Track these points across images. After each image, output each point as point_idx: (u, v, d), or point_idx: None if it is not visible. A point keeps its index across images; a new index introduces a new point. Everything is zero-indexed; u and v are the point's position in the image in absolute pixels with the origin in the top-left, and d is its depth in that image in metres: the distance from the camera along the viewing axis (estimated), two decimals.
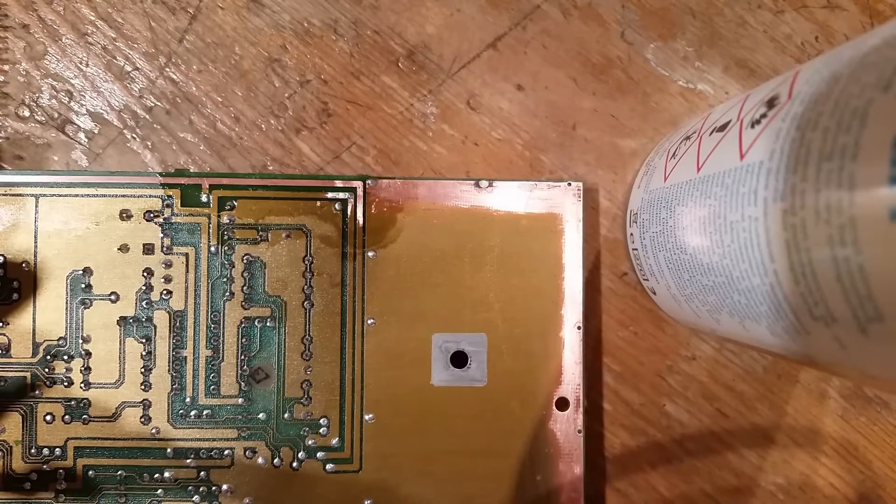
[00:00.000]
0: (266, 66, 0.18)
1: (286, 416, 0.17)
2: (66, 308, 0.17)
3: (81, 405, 0.17)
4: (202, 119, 0.18)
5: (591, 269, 0.19)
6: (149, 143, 0.18)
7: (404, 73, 0.19)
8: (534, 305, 0.18)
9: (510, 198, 0.18)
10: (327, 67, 0.18)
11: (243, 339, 0.17)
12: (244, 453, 0.17)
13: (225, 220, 0.17)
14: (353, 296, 0.17)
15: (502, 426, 0.17)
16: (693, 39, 0.19)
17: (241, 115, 0.18)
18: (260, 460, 0.17)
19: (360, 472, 0.17)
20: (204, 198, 0.17)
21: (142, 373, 0.17)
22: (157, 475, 0.17)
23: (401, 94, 0.18)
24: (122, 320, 0.17)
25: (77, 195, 0.17)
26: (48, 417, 0.17)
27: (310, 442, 0.17)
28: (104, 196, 0.17)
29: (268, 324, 0.17)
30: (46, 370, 0.17)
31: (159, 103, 0.18)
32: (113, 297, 0.17)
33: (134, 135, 0.18)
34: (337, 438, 0.17)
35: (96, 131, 0.18)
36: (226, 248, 0.17)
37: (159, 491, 0.17)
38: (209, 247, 0.17)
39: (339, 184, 0.17)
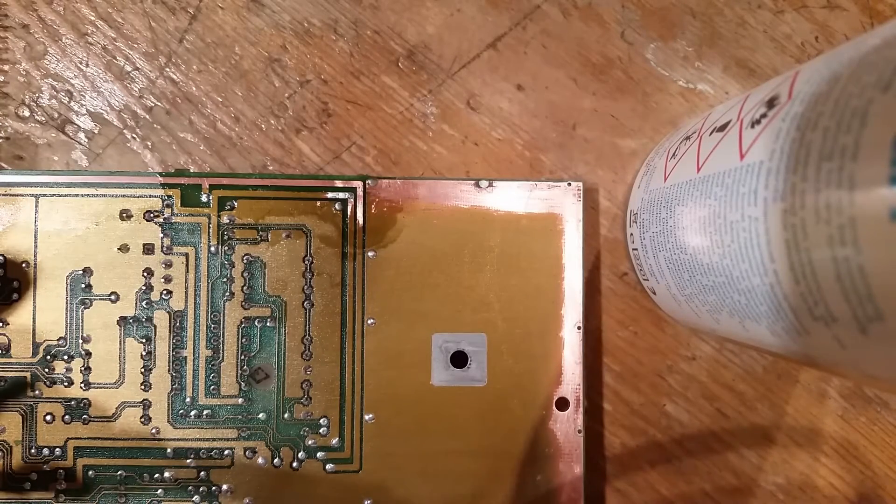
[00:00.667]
0: (266, 66, 0.18)
1: (286, 416, 0.17)
2: (66, 308, 0.17)
3: (81, 405, 0.17)
4: (202, 119, 0.18)
5: (591, 269, 0.19)
6: (149, 143, 0.18)
7: (404, 73, 0.19)
8: (534, 305, 0.18)
9: (510, 198, 0.18)
10: (327, 67, 0.18)
11: (243, 339, 0.17)
12: (244, 453, 0.17)
13: (225, 220, 0.17)
14: (353, 296, 0.17)
15: (502, 426, 0.17)
16: (693, 39, 0.19)
17: (241, 115, 0.18)
18: (260, 460, 0.17)
19: (360, 472, 0.17)
20: (204, 198, 0.17)
21: (142, 373, 0.17)
22: (156, 475, 0.17)
23: (401, 94, 0.18)
24: (122, 320, 0.17)
25: (77, 195, 0.17)
26: (48, 417, 0.17)
27: (310, 442, 0.17)
28: (104, 196, 0.17)
29: (268, 324, 0.17)
30: (46, 370, 0.17)
31: (159, 103, 0.18)
32: (113, 297, 0.17)
33: (134, 135, 0.18)
34: (337, 438, 0.17)
35: (96, 131, 0.18)
36: (226, 248, 0.17)
37: (159, 491, 0.17)
38: (209, 247, 0.17)
39: (339, 184, 0.17)
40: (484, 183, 0.18)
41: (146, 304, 0.17)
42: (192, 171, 0.18)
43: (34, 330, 0.17)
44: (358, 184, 0.17)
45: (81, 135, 0.18)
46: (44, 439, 0.17)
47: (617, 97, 0.19)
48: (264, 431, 0.17)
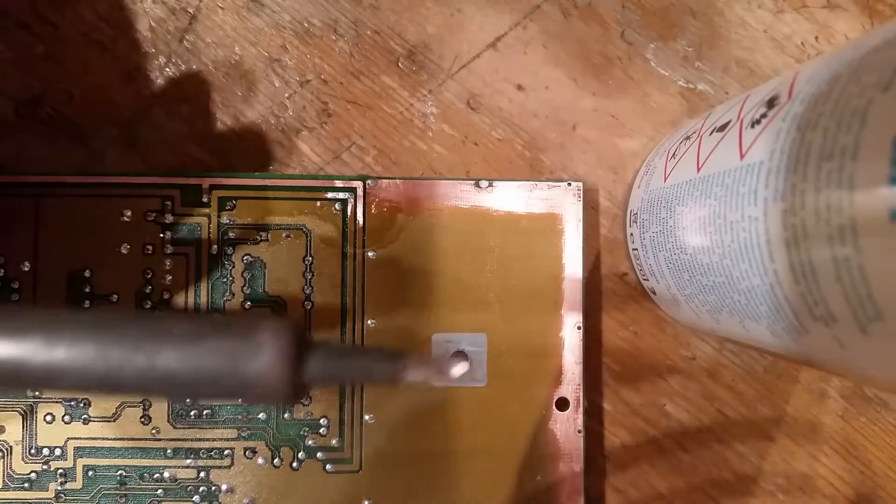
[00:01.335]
0: (266, 66, 0.18)
1: (286, 416, 0.17)
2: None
3: (81, 405, 0.17)
4: (202, 119, 0.18)
5: (591, 269, 0.19)
6: (149, 143, 0.18)
7: (404, 73, 0.19)
8: (534, 305, 0.18)
9: (510, 198, 0.18)
10: (327, 67, 0.18)
11: None
12: (244, 453, 0.17)
13: (225, 220, 0.17)
14: (353, 296, 0.17)
15: (502, 426, 0.17)
16: (693, 39, 0.19)
17: (241, 115, 0.18)
18: (260, 460, 0.17)
19: (360, 472, 0.17)
20: (204, 198, 0.17)
21: None
22: (157, 475, 0.17)
23: (401, 94, 0.18)
24: None
25: (77, 195, 0.17)
26: (48, 417, 0.17)
27: (310, 442, 0.17)
28: (104, 196, 0.17)
29: None
30: None
31: (159, 103, 0.18)
32: (113, 298, 0.17)
33: (134, 135, 0.18)
34: (337, 438, 0.17)
35: (96, 131, 0.18)
36: (226, 248, 0.17)
37: (159, 491, 0.17)
38: (209, 247, 0.17)
39: (339, 184, 0.17)
40: (484, 183, 0.18)
41: (146, 304, 0.17)
42: (192, 171, 0.18)
43: None
44: (358, 184, 0.17)
45: (82, 135, 0.18)
46: (44, 439, 0.17)
47: (617, 97, 0.19)
48: (264, 431, 0.17)
